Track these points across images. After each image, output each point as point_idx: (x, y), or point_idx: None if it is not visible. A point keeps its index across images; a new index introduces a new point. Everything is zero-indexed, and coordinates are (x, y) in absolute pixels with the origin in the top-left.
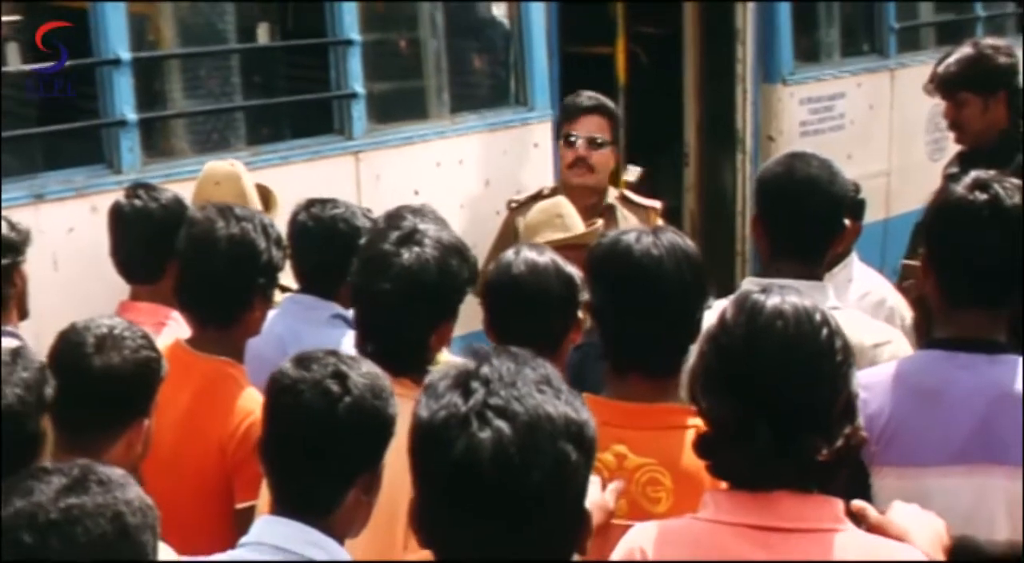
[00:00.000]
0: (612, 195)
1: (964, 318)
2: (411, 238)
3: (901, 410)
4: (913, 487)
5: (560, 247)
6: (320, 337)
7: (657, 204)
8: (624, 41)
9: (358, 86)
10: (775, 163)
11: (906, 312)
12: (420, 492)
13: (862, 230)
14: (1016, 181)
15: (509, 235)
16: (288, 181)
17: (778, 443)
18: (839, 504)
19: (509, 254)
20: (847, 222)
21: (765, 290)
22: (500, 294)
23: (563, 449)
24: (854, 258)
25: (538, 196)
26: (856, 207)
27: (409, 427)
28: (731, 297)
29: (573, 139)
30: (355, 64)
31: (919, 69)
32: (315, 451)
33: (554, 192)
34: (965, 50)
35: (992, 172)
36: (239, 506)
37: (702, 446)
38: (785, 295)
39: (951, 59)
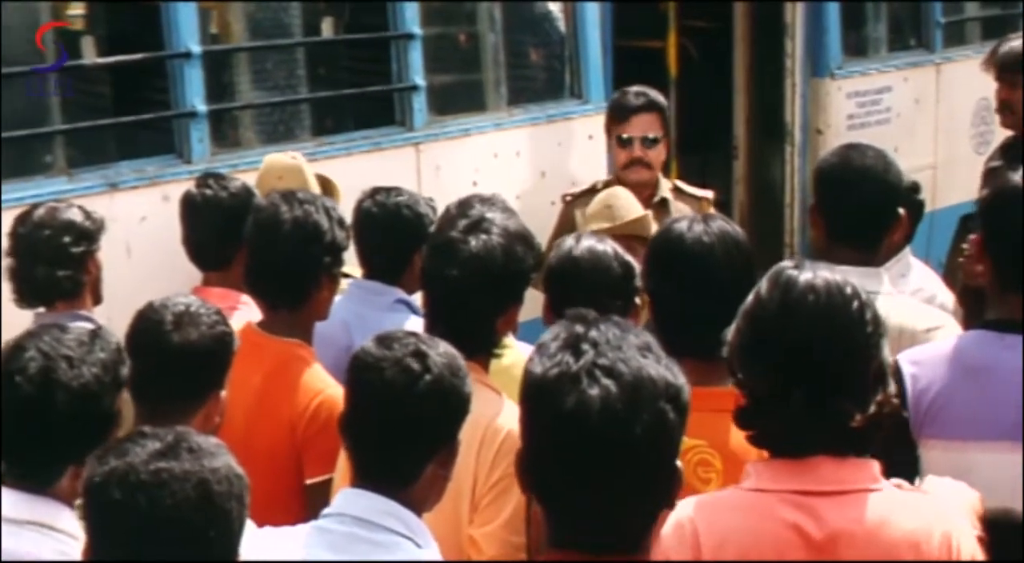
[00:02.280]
0: (665, 187)
1: (1015, 302)
2: (478, 226)
3: (949, 386)
4: (958, 460)
5: (616, 238)
6: (384, 322)
7: (710, 194)
8: (675, 35)
9: (419, 79)
10: (831, 154)
11: (952, 309)
12: (529, 442)
13: (916, 229)
14: None
15: (565, 229)
16: (351, 171)
17: (813, 409)
18: (875, 465)
19: (570, 241)
20: (902, 211)
21: (798, 265)
22: (561, 278)
23: (662, 408)
24: (908, 254)
25: (592, 190)
26: (914, 207)
27: (521, 383)
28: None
29: (627, 139)
30: (416, 57)
31: (965, 64)
32: (396, 426)
33: (607, 185)
34: None
35: None
36: (309, 481)
37: (741, 417)
38: (817, 269)
39: (1014, 42)
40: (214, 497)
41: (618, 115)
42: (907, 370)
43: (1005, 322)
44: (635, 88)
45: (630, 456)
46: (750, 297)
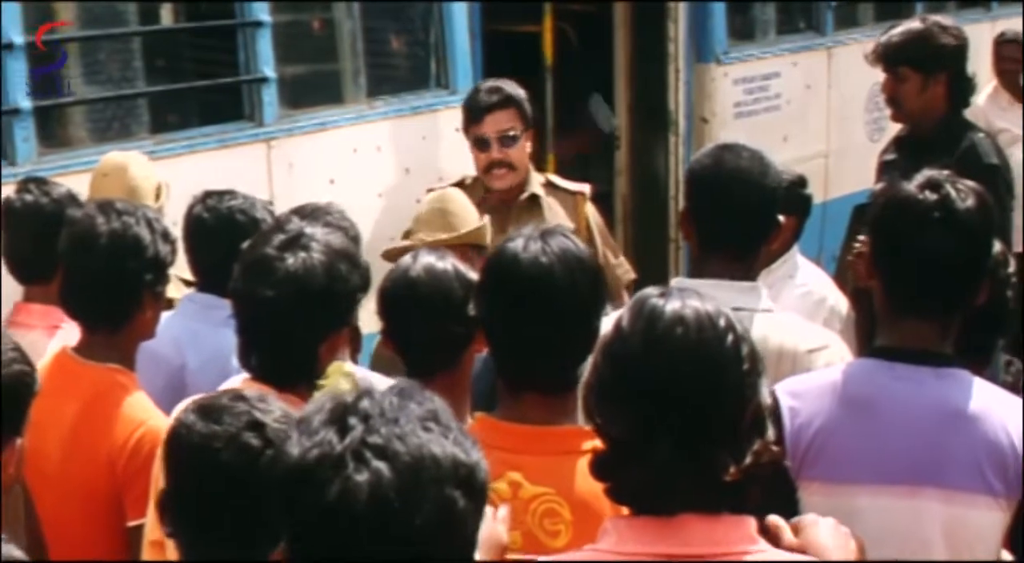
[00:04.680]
0: (536, 182)
1: (908, 326)
2: (296, 242)
3: (832, 422)
4: (842, 505)
5: (453, 249)
6: (218, 338)
7: (586, 188)
8: (552, 19)
9: (269, 70)
10: (704, 155)
11: (846, 312)
12: (290, 538)
13: (804, 226)
14: (970, 183)
15: None
16: (195, 171)
17: (680, 458)
18: (751, 523)
19: (407, 259)
20: (781, 218)
21: (664, 294)
22: (397, 300)
23: (449, 494)
24: (796, 253)
25: (460, 185)
26: (802, 202)
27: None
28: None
29: (483, 140)
30: (265, 46)
31: (857, 47)
32: (238, 512)
33: (477, 181)
34: (913, 24)
35: (946, 172)
36: (132, 523)
37: (599, 467)
38: (686, 298)
39: (896, 31)
40: None
41: (471, 115)
42: (785, 403)
43: (895, 350)
44: (488, 83)
45: (408, 555)
46: (610, 329)
